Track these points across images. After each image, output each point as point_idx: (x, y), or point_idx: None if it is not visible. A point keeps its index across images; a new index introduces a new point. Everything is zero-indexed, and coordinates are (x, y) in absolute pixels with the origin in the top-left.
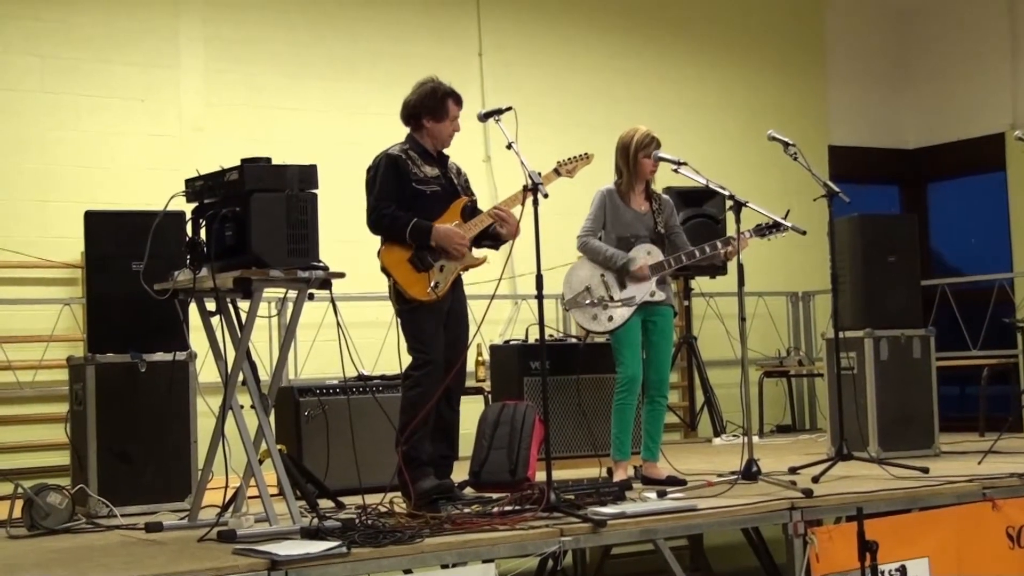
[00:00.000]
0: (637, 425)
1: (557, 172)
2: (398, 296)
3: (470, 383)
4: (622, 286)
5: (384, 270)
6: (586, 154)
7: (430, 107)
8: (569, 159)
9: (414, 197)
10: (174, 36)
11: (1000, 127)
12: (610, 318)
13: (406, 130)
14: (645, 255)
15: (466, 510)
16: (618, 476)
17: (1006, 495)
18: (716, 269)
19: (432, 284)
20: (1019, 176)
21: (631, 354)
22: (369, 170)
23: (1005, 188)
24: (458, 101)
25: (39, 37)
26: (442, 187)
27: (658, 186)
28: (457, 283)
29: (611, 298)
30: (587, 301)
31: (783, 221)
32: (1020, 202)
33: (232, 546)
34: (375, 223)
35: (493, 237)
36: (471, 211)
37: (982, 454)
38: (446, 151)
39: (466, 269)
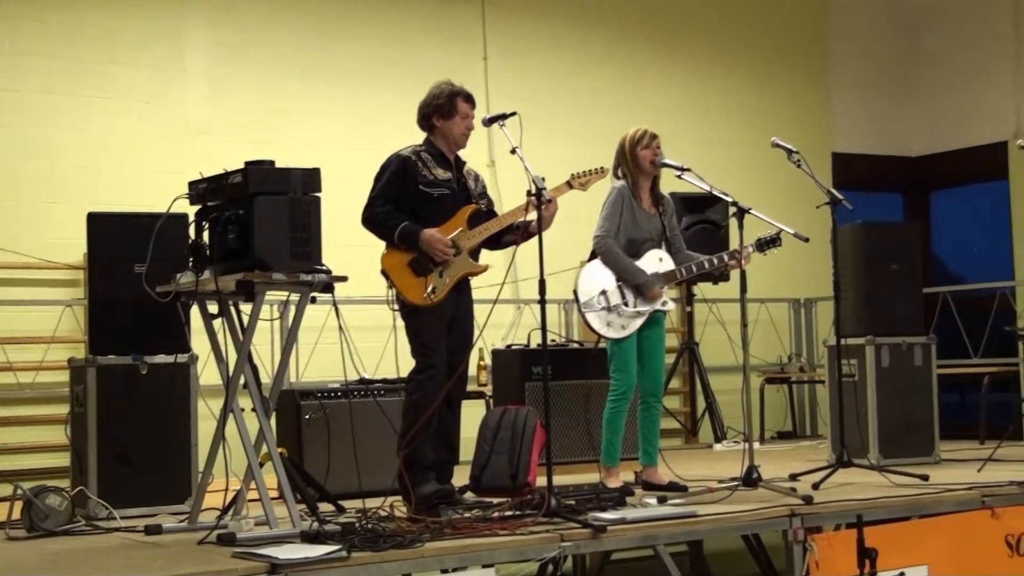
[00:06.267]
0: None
1: (570, 185)
2: (399, 300)
3: (471, 387)
4: (637, 295)
5: (384, 273)
6: (601, 168)
7: (438, 106)
8: (583, 172)
9: (420, 200)
10: (180, 39)
11: (1003, 136)
12: (623, 327)
13: (410, 135)
14: (657, 262)
15: (467, 515)
16: (611, 483)
17: (1005, 503)
18: (719, 275)
19: (429, 289)
20: (1021, 185)
21: (632, 363)
22: (381, 167)
23: (1007, 197)
24: (468, 99)
25: (45, 38)
26: (452, 191)
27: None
28: (463, 288)
29: (626, 306)
30: (602, 306)
31: (785, 228)
32: (1022, 211)
33: (232, 549)
34: (368, 219)
35: (495, 241)
36: (482, 217)
37: (982, 462)
38: (463, 156)
39: (472, 275)
